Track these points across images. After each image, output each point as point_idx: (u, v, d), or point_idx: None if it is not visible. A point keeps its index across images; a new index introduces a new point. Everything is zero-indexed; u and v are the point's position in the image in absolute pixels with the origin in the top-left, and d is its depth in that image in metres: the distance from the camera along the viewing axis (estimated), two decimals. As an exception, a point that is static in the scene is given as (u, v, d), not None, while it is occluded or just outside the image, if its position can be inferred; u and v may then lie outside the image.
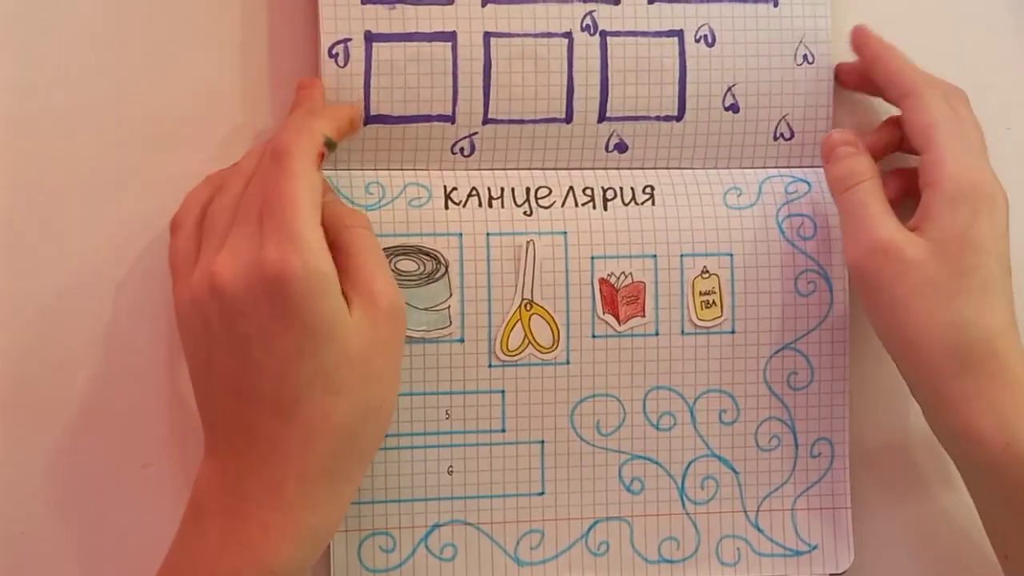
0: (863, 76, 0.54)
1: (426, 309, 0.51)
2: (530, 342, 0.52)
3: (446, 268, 0.51)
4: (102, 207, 0.51)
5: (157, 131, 0.51)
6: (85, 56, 0.51)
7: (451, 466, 0.52)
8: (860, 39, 0.54)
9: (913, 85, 0.51)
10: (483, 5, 0.51)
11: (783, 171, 0.55)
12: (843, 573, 0.54)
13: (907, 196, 0.53)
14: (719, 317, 0.53)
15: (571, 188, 0.53)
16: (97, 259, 0.51)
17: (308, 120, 0.47)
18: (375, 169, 0.52)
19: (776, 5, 0.54)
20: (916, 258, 0.48)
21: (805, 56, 0.54)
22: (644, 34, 0.52)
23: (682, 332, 0.53)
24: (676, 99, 0.53)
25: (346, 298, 0.44)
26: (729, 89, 0.53)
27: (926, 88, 0.51)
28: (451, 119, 0.51)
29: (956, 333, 0.47)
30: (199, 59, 0.51)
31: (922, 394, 0.49)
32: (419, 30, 0.51)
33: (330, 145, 0.47)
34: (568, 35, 0.52)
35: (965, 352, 0.47)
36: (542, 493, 0.52)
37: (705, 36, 0.53)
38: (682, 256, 0.53)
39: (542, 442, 0.52)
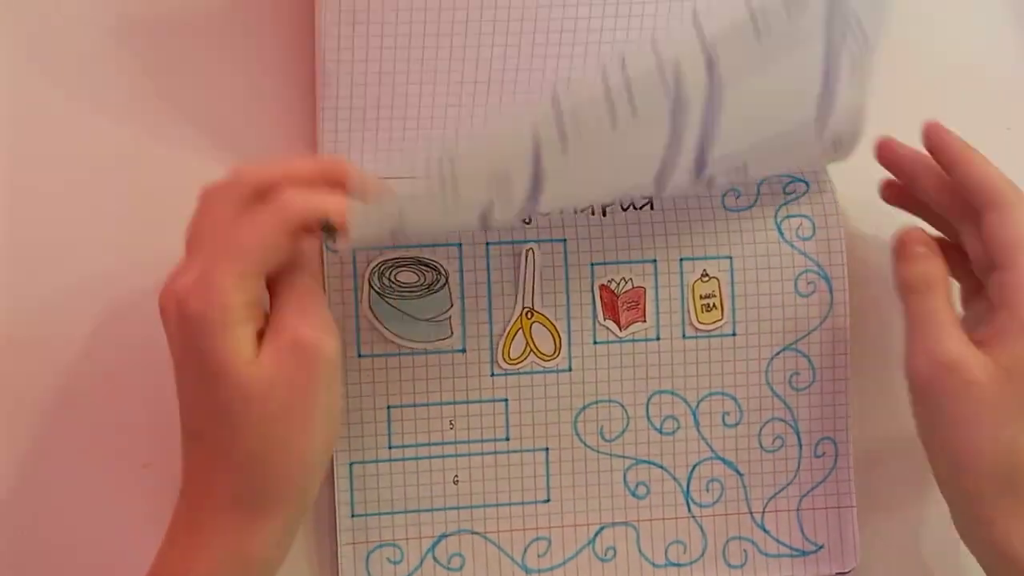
0: (914, 190, 0.53)
1: (427, 320, 0.52)
2: (532, 350, 0.52)
3: (446, 279, 0.52)
4: (102, 206, 0.51)
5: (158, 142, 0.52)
6: (85, 56, 0.51)
7: (456, 476, 0.52)
8: (936, 138, 0.51)
9: (1004, 196, 0.48)
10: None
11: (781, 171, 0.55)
12: (849, 572, 0.54)
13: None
14: (720, 320, 0.53)
15: None
16: (97, 258, 0.51)
17: (328, 194, 0.45)
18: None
19: None
20: (981, 380, 0.46)
21: None
22: None
23: (683, 336, 0.53)
24: None
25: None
26: None
27: (1019, 201, 0.48)
28: None
29: (1006, 458, 0.46)
30: (201, 58, 0.52)
31: (959, 508, 0.49)
32: None
33: (327, 232, 0.45)
34: None
35: (1010, 476, 0.47)
36: (547, 500, 0.52)
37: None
38: (681, 260, 0.53)
39: (546, 449, 0.52)
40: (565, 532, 0.52)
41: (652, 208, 0.53)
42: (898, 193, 0.54)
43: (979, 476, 0.47)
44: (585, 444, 0.52)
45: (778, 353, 0.54)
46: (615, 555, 0.53)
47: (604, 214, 0.53)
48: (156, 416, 0.50)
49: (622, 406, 0.53)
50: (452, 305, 0.52)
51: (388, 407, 0.51)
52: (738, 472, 0.53)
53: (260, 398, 0.43)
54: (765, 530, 0.53)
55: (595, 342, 0.52)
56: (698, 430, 0.53)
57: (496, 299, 0.52)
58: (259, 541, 0.44)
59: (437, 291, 0.51)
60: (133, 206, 0.51)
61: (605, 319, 0.52)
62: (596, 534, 0.53)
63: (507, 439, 0.52)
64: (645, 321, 0.53)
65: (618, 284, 0.53)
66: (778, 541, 0.53)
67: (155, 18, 0.52)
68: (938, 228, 0.53)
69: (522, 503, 0.52)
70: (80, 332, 0.51)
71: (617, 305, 0.53)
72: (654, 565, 0.53)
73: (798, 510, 0.54)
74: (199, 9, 0.52)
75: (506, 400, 0.52)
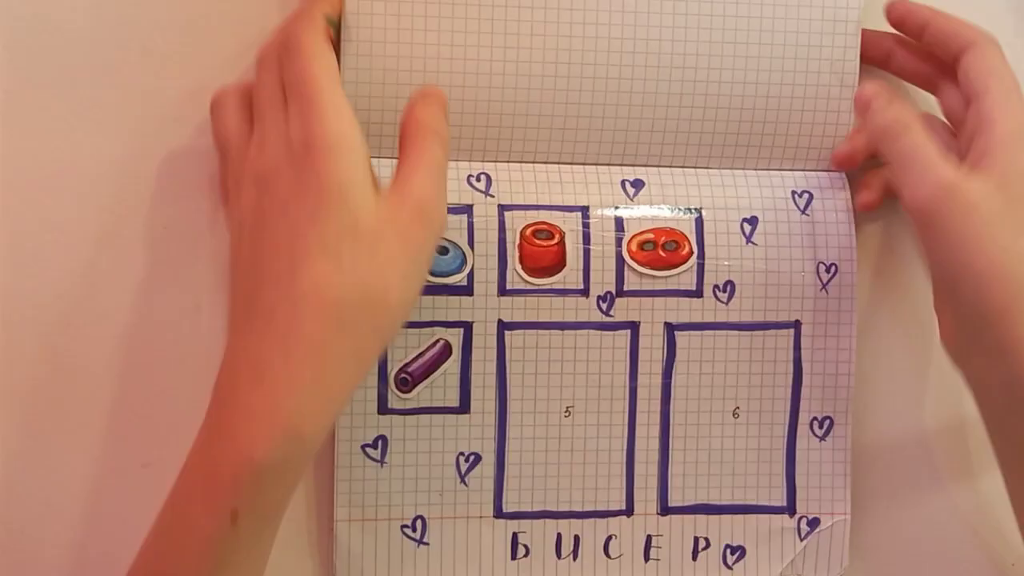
0: (894, 51, 0.55)
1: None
2: None
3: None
4: (102, 205, 0.51)
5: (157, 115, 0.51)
6: (85, 53, 0.51)
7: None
8: (901, 8, 0.54)
9: (975, 37, 0.51)
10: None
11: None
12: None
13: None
14: None
15: None
16: (97, 258, 0.51)
17: (310, 6, 0.47)
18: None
19: None
20: (982, 195, 0.47)
21: None
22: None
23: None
24: None
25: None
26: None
27: (986, 40, 0.51)
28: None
29: (1009, 269, 0.46)
30: (199, 53, 0.52)
31: (989, 337, 0.47)
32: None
33: (332, 24, 0.48)
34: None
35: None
36: None
37: None
38: None
39: None
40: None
41: None
42: (881, 54, 0.55)
43: (1006, 290, 0.46)
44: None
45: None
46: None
47: None
48: (156, 416, 0.51)
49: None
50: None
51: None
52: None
53: (370, 237, 0.43)
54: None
55: None
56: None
57: None
58: (326, 410, 0.43)
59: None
60: (134, 204, 0.51)
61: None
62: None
63: None
64: None
65: None
66: None
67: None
68: None
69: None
70: (80, 332, 0.50)
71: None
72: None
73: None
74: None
75: None
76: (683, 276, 0.53)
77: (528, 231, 0.52)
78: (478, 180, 0.52)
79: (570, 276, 0.52)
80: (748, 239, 0.53)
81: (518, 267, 0.52)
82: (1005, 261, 0.46)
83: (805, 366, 0.54)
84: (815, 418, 0.54)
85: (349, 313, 0.42)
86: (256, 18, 0.51)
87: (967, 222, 0.47)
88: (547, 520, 0.53)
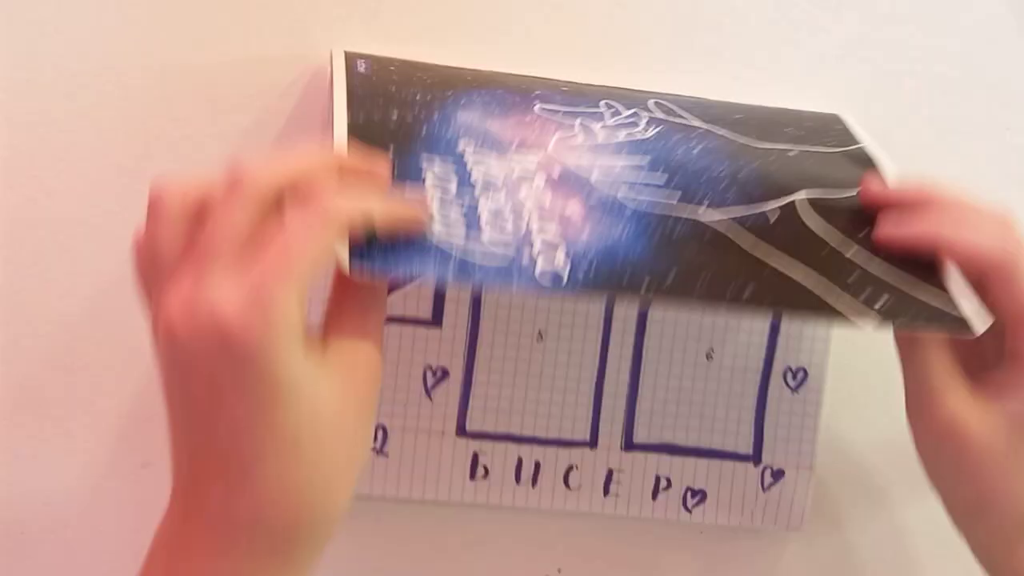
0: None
1: None
2: None
3: None
4: (102, 205, 0.50)
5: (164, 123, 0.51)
6: (86, 53, 0.50)
7: None
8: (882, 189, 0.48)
9: (1001, 255, 0.44)
10: None
11: None
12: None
13: None
14: None
15: None
16: (98, 258, 0.50)
17: (367, 195, 0.40)
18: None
19: None
20: (982, 437, 0.44)
21: None
22: None
23: None
24: None
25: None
26: None
27: (1016, 262, 0.44)
28: None
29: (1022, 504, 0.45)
30: (200, 53, 0.51)
31: (978, 543, 0.47)
32: None
33: (369, 238, 0.39)
34: None
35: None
36: None
37: None
38: None
39: None
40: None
41: None
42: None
43: (999, 522, 0.45)
44: None
45: None
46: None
47: None
48: (156, 416, 0.50)
49: None
50: None
51: None
52: None
53: (332, 416, 0.38)
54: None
55: None
56: None
57: None
58: None
59: None
60: (134, 204, 0.50)
61: None
62: None
63: None
64: None
65: None
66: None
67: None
68: None
69: None
70: (80, 332, 0.50)
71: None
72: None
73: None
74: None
75: None
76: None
77: None
78: None
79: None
80: None
81: None
82: (1003, 498, 0.45)
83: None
84: (789, 368, 0.54)
85: (316, 497, 0.39)
86: (257, 18, 0.52)
87: (964, 459, 0.45)
88: (509, 443, 0.52)
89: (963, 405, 0.44)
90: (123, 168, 0.50)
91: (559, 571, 0.53)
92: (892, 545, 0.56)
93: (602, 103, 0.50)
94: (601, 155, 0.47)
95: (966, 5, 0.57)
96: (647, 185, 0.45)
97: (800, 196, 0.46)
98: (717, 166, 0.48)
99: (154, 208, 0.40)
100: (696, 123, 0.50)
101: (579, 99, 0.50)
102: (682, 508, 0.53)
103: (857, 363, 0.55)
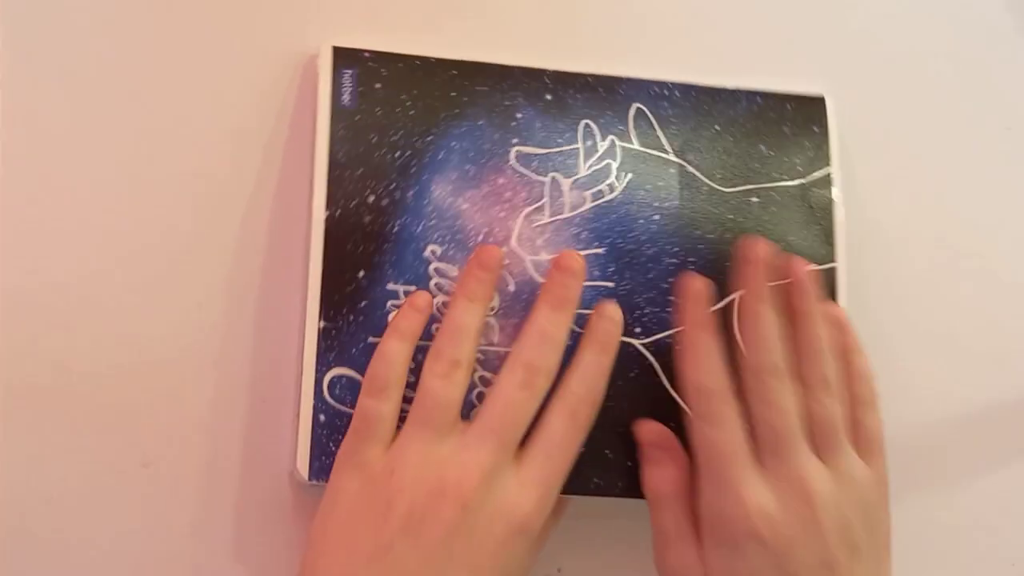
0: None
1: None
2: None
3: None
4: (103, 204, 0.51)
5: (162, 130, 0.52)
6: (88, 54, 0.51)
7: None
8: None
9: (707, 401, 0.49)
10: None
11: None
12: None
13: None
14: None
15: None
16: (97, 257, 0.51)
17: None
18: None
19: None
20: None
21: None
22: None
23: None
24: None
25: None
26: None
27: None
28: None
29: None
30: (200, 53, 0.52)
31: None
32: None
33: None
34: None
35: None
36: None
37: None
38: None
39: None
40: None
41: None
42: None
43: None
44: None
45: None
46: None
47: None
48: (156, 416, 0.50)
49: None
50: None
51: None
52: None
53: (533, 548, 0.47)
54: None
55: None
56: None
57: None
58: None
59: None
60: (134, 205, 0.51)
61: None
62: None
63: None
64: None
65: None
66: None
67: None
68: None
69: None
70: (80, 331, 0.50)
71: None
72: None
73: None
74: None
75: None
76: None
77: None
78: None
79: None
80: None
81: None
82: None
83: None
84: None
85: None
86: (259, 18, 0.52)
87: None
88: None
89: (681, 564, 0.49)
90: (123, 168, 0.51)
91: (559, 571, 0.53)
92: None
93: (582, 125, 0.52)
94: (561, 240, 0.51)
95: (966, 5, 0.57)
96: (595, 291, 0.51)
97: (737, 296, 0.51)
98: (666, 253, 0.52)
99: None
100: (669, 155, 0.53)
101: (559, 123, 0.52)
102: None
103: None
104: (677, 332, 0.51)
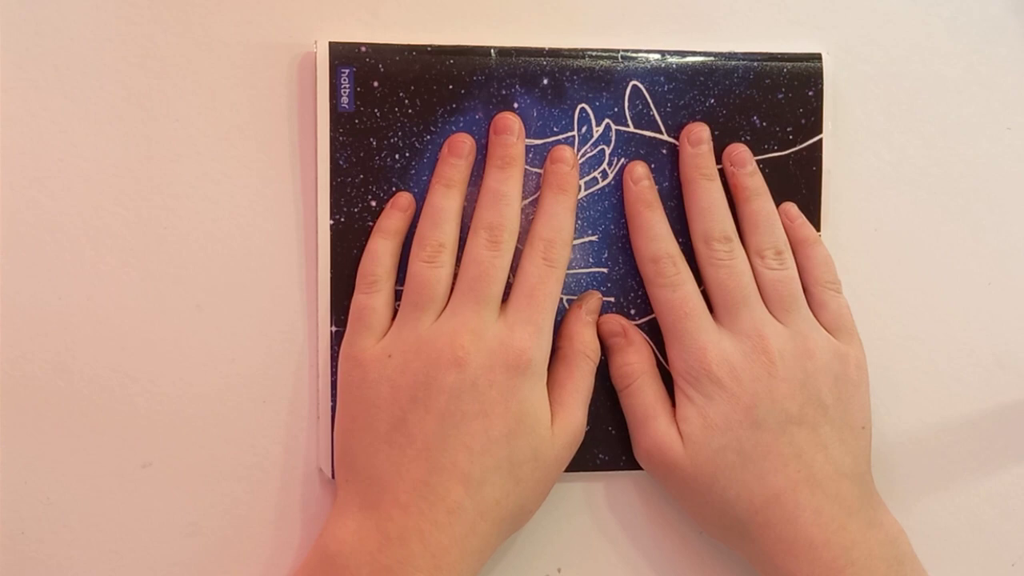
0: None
1: None
2: None
3: None
4: (102, 204, 0.51)
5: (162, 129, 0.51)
6: (90, 56, 0.51)
7: None
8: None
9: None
10: None
11: None
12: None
13: None
14: None
15: None
16: (98, 258, 0.51)
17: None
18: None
19: None
20: (677, 459, 0.49)
21: None
22: None
23: None
24: None
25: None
26: None
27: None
28: None
29: (724, 515, 0.49)
30: (200, 53, 0.52)
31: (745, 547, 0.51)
32: None
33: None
34: None
35: (740, 527, 0.49)
36: None
37: None
38: None
39: None
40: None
41: None
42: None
43: (715, 533, 0.51)
44: None
45: None
46: None
47: None
48: (156, 416, 0.51)
49: None
50: None
51: None
52: None
53: (545, 465, 0.48)
54: None
55: None
56: None
57: None
58: None
59: None
60: (134, 204, 0.51)
61: None
62: None
63: None
64: None
65: None
66: None
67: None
68: None
69: None
70: (80, 332, 0.50)
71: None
72: None
73: None
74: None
75: None
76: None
77: None
78: None
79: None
80: None
81: None
82: (704, 514, 0.50)
83: None
84: None
85: (508, 524, 0.48)
86: (260, 18, 0.52)
87: (669, 483, 0.51)
88: None
89: (665, 436, 0.50)
90: (123, 168, 0.51)
91: (559, 571, 0.53)
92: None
93: (578, 110, 0.52)
94: None
95: (966, 5, 0.57)
96: (590, 277, 0.52)
97: None
98: None
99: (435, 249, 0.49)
100: (663, 135, 0.53)
101: (555, 109, 0.52)
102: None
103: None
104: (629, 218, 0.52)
